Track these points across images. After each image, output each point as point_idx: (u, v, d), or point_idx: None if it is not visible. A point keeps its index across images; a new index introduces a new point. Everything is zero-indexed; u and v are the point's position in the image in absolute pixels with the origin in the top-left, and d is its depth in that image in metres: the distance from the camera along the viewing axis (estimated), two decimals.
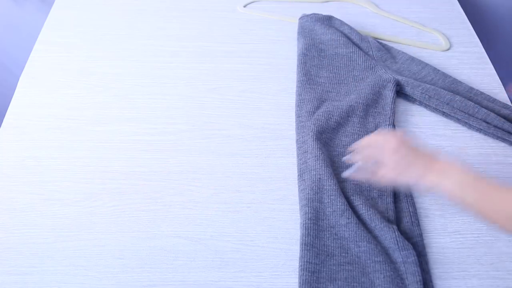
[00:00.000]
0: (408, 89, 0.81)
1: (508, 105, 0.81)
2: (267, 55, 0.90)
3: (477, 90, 0.82)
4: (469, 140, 0.77)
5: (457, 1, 1.03)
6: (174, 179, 0.71)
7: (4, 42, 1.28)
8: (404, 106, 0.82)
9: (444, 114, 0.79)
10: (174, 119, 0.79)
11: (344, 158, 0.69)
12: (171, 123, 0.78)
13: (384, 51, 0.88)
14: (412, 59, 0.87)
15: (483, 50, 0.91)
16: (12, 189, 0.69)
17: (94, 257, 0.63)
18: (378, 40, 0.92)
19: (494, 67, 0.88)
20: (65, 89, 0.83)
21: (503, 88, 0.84)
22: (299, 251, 0.62)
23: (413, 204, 0.68)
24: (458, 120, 0.78)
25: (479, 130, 0.77)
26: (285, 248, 0.64)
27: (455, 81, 0.83)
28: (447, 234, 0.66)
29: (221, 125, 0.78)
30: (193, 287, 0.61)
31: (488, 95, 0.82)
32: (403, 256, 0.60)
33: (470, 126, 0.78)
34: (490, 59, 0.89)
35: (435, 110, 0.79)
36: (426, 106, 0.80)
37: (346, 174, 0.67)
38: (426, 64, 0.86)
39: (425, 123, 0.79)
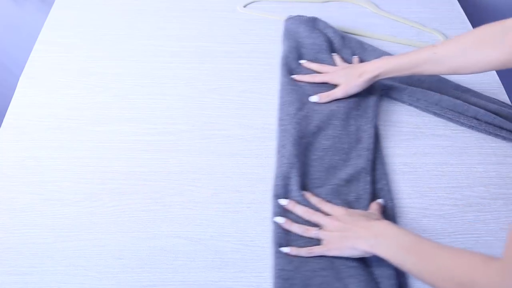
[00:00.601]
0: (394, 93, 0.81)
1: (494, 99, 0.81)
2: (267, 55, 0.90)
3: (464, 86, 0.82)
4: (469, 140, 0.77)
5: (457, 1, 1.03)
6: (174, 179, 0.71)
7: (4, 42, 1.28)
8: (402, 106, 0.82)
9: (435, 114, 0.79)
10: (174, 119, 0.79)
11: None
12: (171, 123, 0.78)
13: (366, 56, 0.88)
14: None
15: None
16: (12, 189, 0.69)
17: (94, 257, 0.63)
18: (364, 37, 0.92)
19: None
20: (65, 89, 0.83)
21: (503, 88, 0.85)
22: (272, 259, 0.62)
23: (392, 208, 0.67)
24: (449, 119, 0.78)
25: (470, 127, 0.77)
26: None
27: (442, 79, 0.83)
28: (447, 234, 0.66)
29: (221, 125, 0.78)
30: (193, 287, 0.61)
31: (475, 91, 0.82)
32: (378, 259, 0.59)
33: (462, 124, 0.78)
34: None
35: (426, 110, 0.80)
36: (416, 107, 0.80)
37: (278, 219, 0.65)
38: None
39: (425, 123, 0.79)
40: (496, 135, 0.76)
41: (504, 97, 0.83)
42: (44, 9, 1.15)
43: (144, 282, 0.61)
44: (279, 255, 0.62)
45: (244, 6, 1.00)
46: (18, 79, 0.84)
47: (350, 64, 0.84)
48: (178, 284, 0.61)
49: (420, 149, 0.76)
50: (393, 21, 0.98)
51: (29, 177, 0.71)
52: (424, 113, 0.80)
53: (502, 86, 0.85)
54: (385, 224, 0.59)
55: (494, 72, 0.87)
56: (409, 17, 0.99)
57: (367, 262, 0.61)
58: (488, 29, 0.66)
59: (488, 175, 0.73)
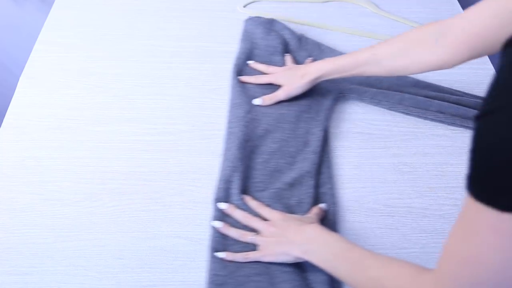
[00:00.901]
0: (355, 96, 0.81)
1: (454, 90, 0.82)
2: None
3: (423, 81, 0.83)
4: (468, 140, 0.77)
5: (457, 1, 1.03)
6: (174, 179, 0.71)
7: (4, 42, 1.28)
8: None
9: (403, 112, 0.79)
10: (174, 119, 0.79)
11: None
12: (171, 123, 0.78)
13: (324, 57, 0.86)
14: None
15: None
16: (12, 189, 0.69)
17: (94, 257, 0.63)
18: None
19: (494, 67, 0.88)
20: (65, 89, 0.83)
21: None
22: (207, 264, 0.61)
23: (334, 213, 0.67)
24: (418, 116, 0.79)
25: (440, 121, 0.78)
26: None
27: (400, 77, 0.83)
28: (447, 234, 0.66)
29: (221, 125, 0.78)
30: (193, 287, 0.61)
31: (436, 84, 0.83)
32: (313, 264, 0.59)
33: (431, 120, 0.78)
34: (490, 59, 0.89)
35: (391, 109, 0.80)
36: (382, 106, 0.80)
37: (216, 223, 0.64)
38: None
39: (424, 123, 0.79)
40: (462, 126, 0.77)
41: None
42: (44, 9, 1.15)
43: (144, 282, 0.61)
44: (214, 260, 0.61)
45: (244, 6, 1.00)
46: (18, 79, 0.84)
47: (295, 65, 0.83)
48: (178, 284, 0.61)
49: (420, 149, 0.76)
50: (393, 21, 0.98)
51: (29, 177, 0.71)
52: None
53: None
54: (318, 230, 0.59)
55: (495, 72, 0.87)
56: (409, 17, 0.99)
57: (302, 267, 0.60)
58: (425, 29, 0.64)
59: None
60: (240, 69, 0.84)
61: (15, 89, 0.83)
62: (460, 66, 0.90)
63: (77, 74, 0.86)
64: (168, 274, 0.62)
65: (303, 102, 0.78)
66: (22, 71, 0.86)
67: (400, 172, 0.73)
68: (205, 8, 0.99)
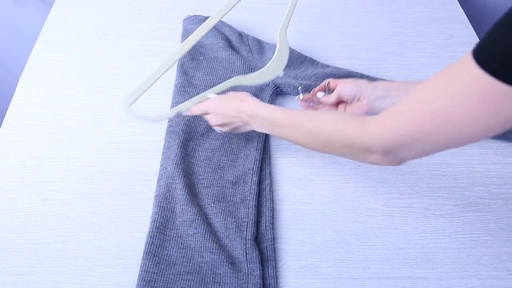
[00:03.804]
0: (290, 90, 0.81)
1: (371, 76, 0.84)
2: None
3: (356, 72, 0.84)
4: None
5: (457, 1, 1.03)
6: None
7: (4, 42, 1.28)
8: None
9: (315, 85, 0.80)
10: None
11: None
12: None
13: (264, 53, 0.89)
14: (291, 53, 0.87)
15: None
16: (12, 189, 0.69)
17: (94, 257, 0.63)
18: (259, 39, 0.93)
19: None
20: (65, 89, 0.83)
21: None
22: (141, 259, 0.61)
23: (271, 209, 0.67)
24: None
25: None
26: (285, 248, 0.64)
27: (335, 69, 0.85)
28: (447, 234, 0.66)
29: None
30: None
31: (368, 76, 0.84)
32: (249, 268, 0.59)
33: None
34: None
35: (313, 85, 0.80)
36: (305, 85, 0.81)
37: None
38: (305, 58, 0.88)
39: None
40: None
41: None
42: (44, 9, 1.15)
43: None
44: (146, 257, 0.61)
45: None
46: (18, 79, 0.84)
47: (232, 96, 0.70)
48: None
49: None
50: (393, 21, 0.98)
51: (29, 177, 0.71)
52: None
53: None
54: (254, 107, 0.64)
55: None
56: (409, 17, 0.99)
57: (237, 268, 0.60)
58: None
59: (488, 175, 0.73)
60: (185, 68, 0.85)
61: (15, 89, 0.83)
62: None
63: (77, 74, 0.86)
64: None
65: None
66: (22, 71, 0.86)
67: (400, 172, 0.73)
68: (205, 8, 0.99)
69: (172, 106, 0.79)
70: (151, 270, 0.60)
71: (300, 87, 0.76)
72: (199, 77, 0.84)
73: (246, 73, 0.83)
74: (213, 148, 0.73)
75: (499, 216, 0.68)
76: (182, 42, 0.90)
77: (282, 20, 0.70)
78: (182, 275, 0.60)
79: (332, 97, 0.71)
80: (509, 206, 0.69)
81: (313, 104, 0.74)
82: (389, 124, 0.47)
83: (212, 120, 0.69)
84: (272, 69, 0.71)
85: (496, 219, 0.67)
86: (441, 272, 0.62)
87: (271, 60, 0.71)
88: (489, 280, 0.61)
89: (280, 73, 0.71)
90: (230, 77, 0.83)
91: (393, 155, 0.49)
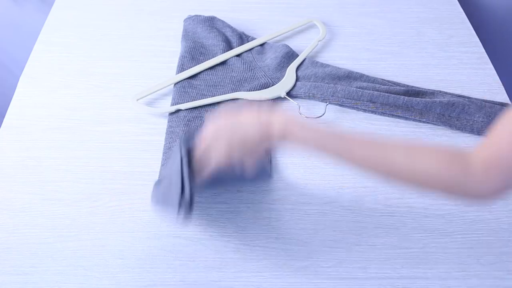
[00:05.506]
0: (292, 92, 0.81)
1: (386, 81, 0.84)
2: None
3: (356, 72, 0.84)
4: (468, 140, 0.77)
5: (457, 1, 1.03)
6: None
7: (4, 42, 1.28)
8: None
9: (339, 105, 0.80)
10: None
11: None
12: None
13: (264, 53, 0.89)
14: (291, 54, 0.88)
15: (483, 50, 0.91)
16: (12, 189, 0.69)
17: (94, 257, 0.63)
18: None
19: (494, 67, 0.88)
20: (65, 89, 0.83)
21: (503, 88, 0.84)
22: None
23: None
24: (351, 107, 0.80)
25: (367, 112, 0.79)
26: (285, 248, 0.64)
27: (335, 68, 0.85)
28: (447, 234, 0.66)
29: None
30: (193, 287, 0.61)
31: (368, 75, 0.84)
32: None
33: (362, 110, 0.80)
34: (490, 59, 0.89)
35: (324, 101, 0.80)
36: (316, 100, 0.81)
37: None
38: (304, 58, 0.88)
39: (425, 123, 0.79)
40: (392, 115, 0.79)
41: (504, 97, 0.83)
42: (44, 9, 1.15)
43: (144, 282, 0.61)
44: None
45: None
46: (18, 79, 0.84)
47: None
48: (178, 284, 0.61)
49: None
50: (393, 21, 0.98)
51: (29, 177, 0.71)
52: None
53: (502, 86, 0.85)
54: (289, 114, 0.53)
55: (494, 72, 0.87)
56: (409, 17, 0.99)
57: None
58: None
59: None
60: (186, 69, 0.85)
61: (15, 89, 0.83)
62: (460, 66, 0.90)
63: (77, 74, 0.86)
64: (168, 274, 0.62)
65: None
66: (22, 71, 0.86)
67: None
68: (205, 8, 0.99)
69: (172, 105, 0.79)
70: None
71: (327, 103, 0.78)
72: (199, 77, 0.84)
73: (246, 74, 0.84)
74: None
75: (499, 216, 0.68)
76: (182, 42, 0.90)
77: (297, 58, 0.84)
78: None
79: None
80: (509, 206, 0.69)
81: None
82: (498, 171, 0.43)
83: (218, 151, 0.55)
84: (276, 91, 0.79)
85: (496, 219, 0.67)
86: (441, 272, 0.62)
87: (277, 84, 0.73)
88: (489, 280, 0.61)
89: (282, 94, 0.74)
90: (230, 76, 0.83)
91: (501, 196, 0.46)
